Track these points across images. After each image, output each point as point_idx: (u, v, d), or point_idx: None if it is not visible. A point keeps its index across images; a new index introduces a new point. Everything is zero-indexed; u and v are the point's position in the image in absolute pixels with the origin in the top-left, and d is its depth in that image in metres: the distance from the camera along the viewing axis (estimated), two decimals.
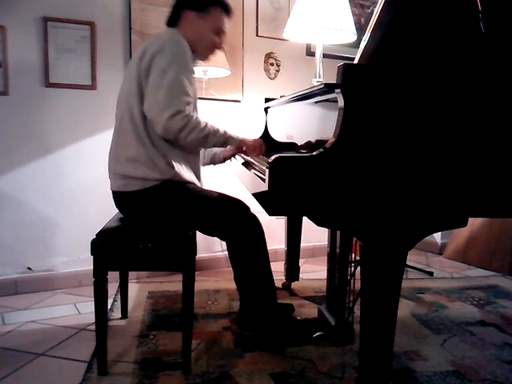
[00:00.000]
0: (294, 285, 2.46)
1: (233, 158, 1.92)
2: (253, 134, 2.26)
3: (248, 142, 1.69)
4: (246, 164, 1.66)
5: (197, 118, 1.55)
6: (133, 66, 1.60)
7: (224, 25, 1.73)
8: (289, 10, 2.81)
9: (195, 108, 1.67)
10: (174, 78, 1.51)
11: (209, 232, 1.64)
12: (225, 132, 1.62)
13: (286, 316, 1.82)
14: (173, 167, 1.59)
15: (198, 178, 1.73)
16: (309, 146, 1.53)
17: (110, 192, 1.68)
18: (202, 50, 1.73)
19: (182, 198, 1.60)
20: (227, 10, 1.72)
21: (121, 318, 2.00)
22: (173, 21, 1.71)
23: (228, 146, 1.68)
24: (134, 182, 1.59)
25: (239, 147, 1.71)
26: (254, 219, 1.59)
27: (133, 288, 2.34)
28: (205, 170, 1.84)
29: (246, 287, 1.65)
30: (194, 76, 1.67)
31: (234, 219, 1.57)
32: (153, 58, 1.54)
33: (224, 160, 1.93)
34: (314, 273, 2.77)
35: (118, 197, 1.66)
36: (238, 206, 1.61)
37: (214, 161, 1.94)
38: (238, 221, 1.57)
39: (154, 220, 1.62)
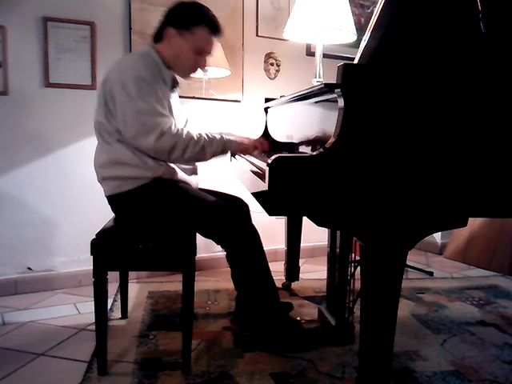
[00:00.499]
0: (294, 285, 2.46)
1: (233, 158, 1.92)
2: (253, 134, 2.26)
3: (247, 144, 1.67)
4: (246, 164, 1.66)
5: (188, 132, 1.53)
6: (102, 86, 1.60)
7: (209, 45, 1.65)
8: (289, 9, 2.81)
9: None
10: (144, 105, 1.48)
11: (203, 234, 1.64)
12: (221, 137, 1.60)
13: (287, 318, 1.82)
14: (162, 164, 1.59)
15: (193, 173, 1.72)
16: (309, 146, 1.53)
17: None
18: (182, 69, 1.68)
19: (176, 200, 1.59)
20: (214, 30, 1.64)
21: (121, 318, 2.00)
22: (157, 36, 1.67)
23: (229, 152, 1.64)
24: (126, 181, 1.58)
25: (240, 151, 1.68)
26: (248, 224, 1.59)
27: (133, 288, 2.34)
28: (205, 170, 1.83)
29: (246, 289, 1.65)
30: (172, 94, 1.65)
31: (227, 226, 1.56)
32: (116, 85, 1.52)
33: None
34: (314, 273, 2.77)
35: (113, 200, 1.65)
36: (232, 211, 1.59)
37: None
38: (231, 227, 1.56)
39: (149, 221, 1.61)
